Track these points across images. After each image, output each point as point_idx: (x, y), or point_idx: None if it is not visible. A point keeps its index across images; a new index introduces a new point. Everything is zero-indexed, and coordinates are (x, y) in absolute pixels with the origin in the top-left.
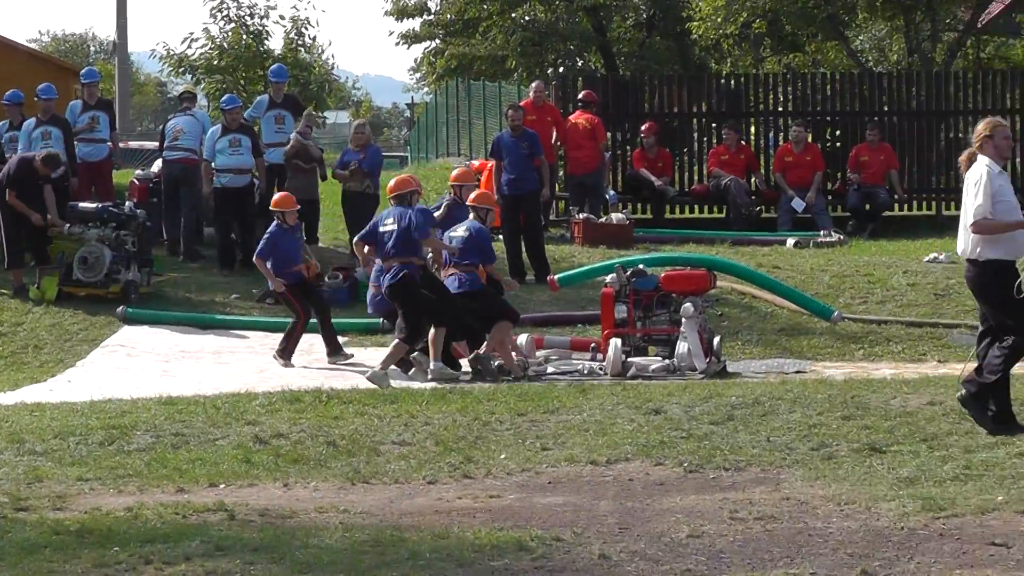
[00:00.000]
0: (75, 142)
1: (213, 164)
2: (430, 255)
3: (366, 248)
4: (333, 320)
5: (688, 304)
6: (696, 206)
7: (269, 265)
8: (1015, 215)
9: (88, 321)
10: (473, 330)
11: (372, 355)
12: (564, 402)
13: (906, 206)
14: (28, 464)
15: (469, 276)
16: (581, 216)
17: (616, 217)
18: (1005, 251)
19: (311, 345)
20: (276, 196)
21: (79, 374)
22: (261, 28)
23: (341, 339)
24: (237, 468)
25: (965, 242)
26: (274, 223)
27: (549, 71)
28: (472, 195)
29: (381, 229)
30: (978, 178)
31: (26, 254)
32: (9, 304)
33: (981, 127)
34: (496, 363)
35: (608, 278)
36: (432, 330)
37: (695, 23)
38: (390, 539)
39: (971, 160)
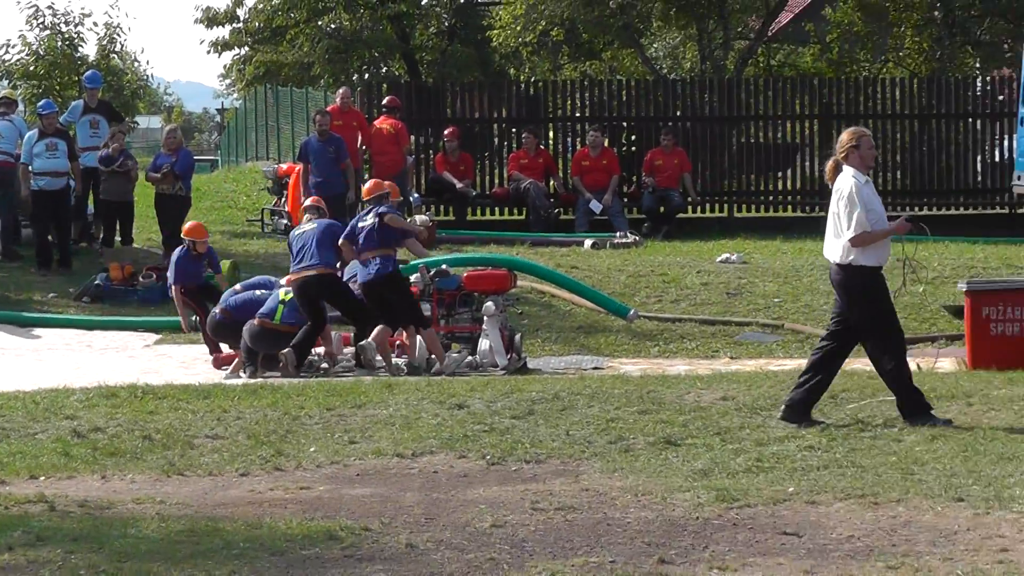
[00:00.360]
0: None
1: (31, 167)
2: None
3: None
4: (145, 318)
5: (490, 303)
6: (497, 208)
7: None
8: (883, 223)
9: None
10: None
11: (187, 351)
12: (371, 397)
13: (699, 208)
14: None
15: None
16: None
17: (420, 219)
18: (875, 258)
19: (126, 343)
20: (188, 224)
21: None
22: (76, 35)
23: (154, 336)
24: (56, 461)
25: (836, 248)
26: (182, 247)
27: (355, 77)
28: (366, 187)
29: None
30: (849, 191)
31: None
32: None
33: (846, 137)
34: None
35: (412, 278)
36: (418, 332)
37: (495, 31)
38: (205, 529)
39: (837, 169)
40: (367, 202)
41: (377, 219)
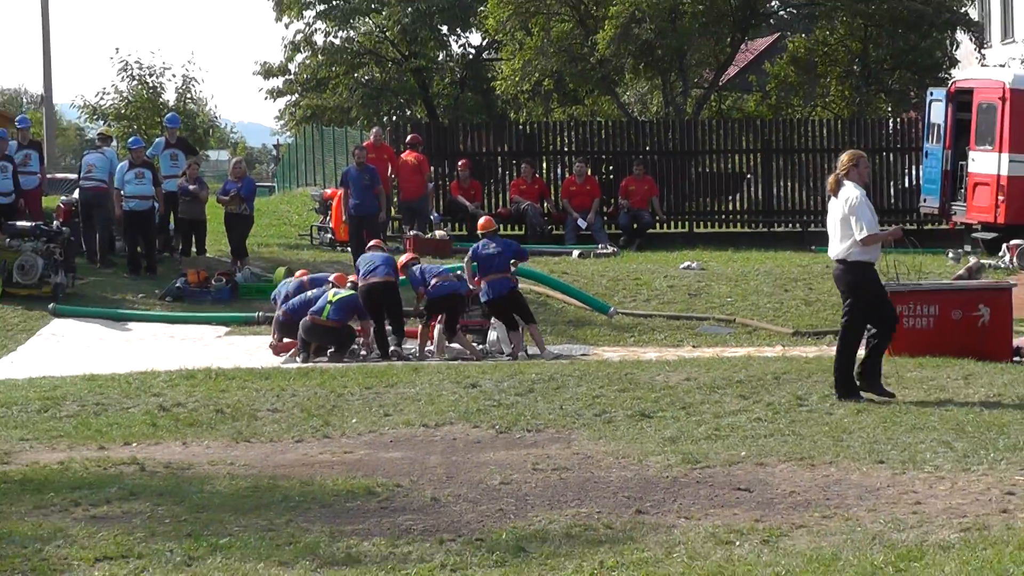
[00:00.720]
0: None
1: (123, 192)
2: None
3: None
4: (217, 314)
5: None
6: (501, 225)
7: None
8: (877, 227)
9: (25, 315)
10: None
11: (252, 341)
12: (401, 378)
13: (665, 225)
14: None
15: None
16: (411, 233)
17: (439, 234)
18: (870, 256)
19: (202, 334)
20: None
21: (19, 357)
22: (158, 84)
23: (224, 329)
24: (145, 430)
25: (838, 247)
26: (297, 282)
27: (384, 119)
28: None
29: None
30: (856, 200)
31: None
32: None
33: (846, 158)
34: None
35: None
36: (529, 326)
37: (498, 82)
38: (267, 486)
39: (838, 184)
40: (484, 235)
41: (502, 248)
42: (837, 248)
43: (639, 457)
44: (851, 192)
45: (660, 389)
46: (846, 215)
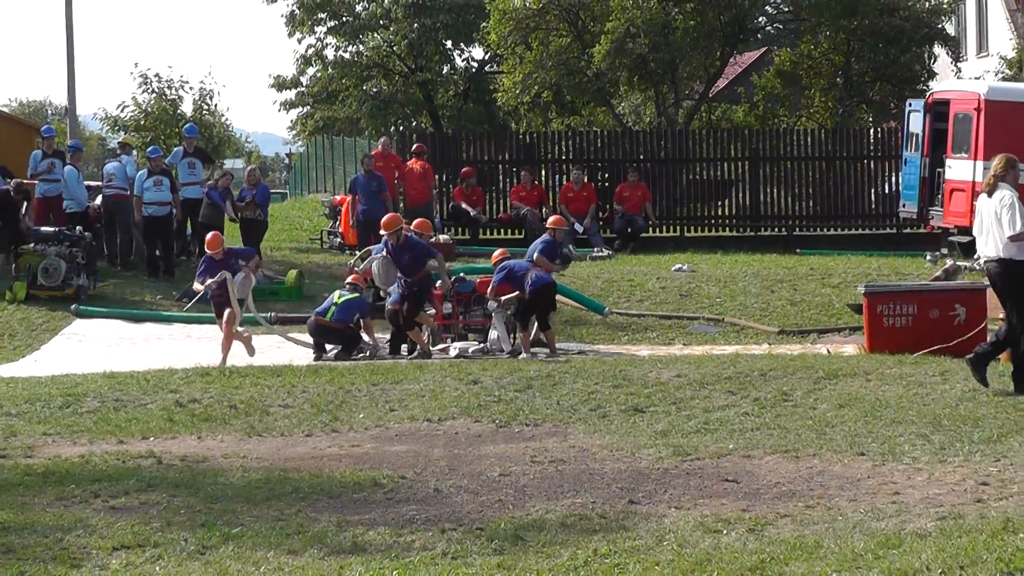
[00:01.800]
0: (37, 181)
1: (142, 199)
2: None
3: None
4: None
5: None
6: (502, 230)
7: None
8: None
9: (49, 316)
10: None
11: (263, 340)
12: (406, 375)
13: (657, 230)
14: (4, 423)
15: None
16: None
17: (442, 238)
18: None
19: (217, 334)
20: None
21: (43, 356)
22: (176, 97)
23: (242, 328)
24: (163, 425)
25: (995, 247)
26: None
27: (392, 129)
28: (550, 220)
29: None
30: (1010, 201)
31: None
32: None
33: (1002, 163)
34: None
35: (438, 283)
36: (546, 332)
37: (499, 93)
38: (278, 478)
39: (994, 185)
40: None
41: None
42: (991, 248)
43: (632, 450)
44: (1006, 192)
45: (652, 385)
46: (999, 214)
